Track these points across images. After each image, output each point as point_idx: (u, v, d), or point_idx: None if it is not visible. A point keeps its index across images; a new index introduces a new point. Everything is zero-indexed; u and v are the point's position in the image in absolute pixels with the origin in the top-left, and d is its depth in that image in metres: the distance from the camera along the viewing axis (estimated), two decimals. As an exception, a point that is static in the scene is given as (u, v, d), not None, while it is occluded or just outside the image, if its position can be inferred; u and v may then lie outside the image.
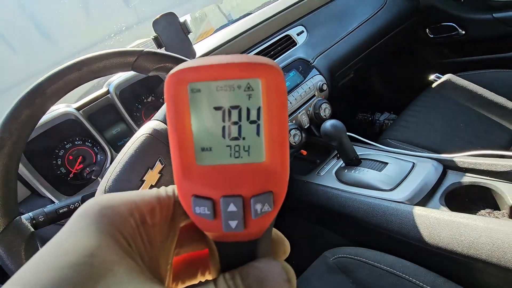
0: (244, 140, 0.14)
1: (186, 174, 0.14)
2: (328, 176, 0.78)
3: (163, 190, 0.16)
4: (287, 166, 0.15)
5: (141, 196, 0.15)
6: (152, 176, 0.44)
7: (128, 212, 0.14)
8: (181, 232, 0.17)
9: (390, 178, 0.66)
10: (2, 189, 0.36)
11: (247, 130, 0.14)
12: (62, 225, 0.58)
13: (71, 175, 0.65)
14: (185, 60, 0.48)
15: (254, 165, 0.14)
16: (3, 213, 0.36)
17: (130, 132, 0.71)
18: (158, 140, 0.47)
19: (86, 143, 0.68)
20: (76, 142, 0.67)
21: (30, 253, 0.36)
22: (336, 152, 0.86)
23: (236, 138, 0.15)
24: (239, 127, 0.14)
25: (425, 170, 0.64)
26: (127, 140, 0.71)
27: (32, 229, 0.38)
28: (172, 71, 0.14)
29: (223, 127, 0.14)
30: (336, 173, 0.77)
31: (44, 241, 0.38)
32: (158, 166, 0.45)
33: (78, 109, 0.64)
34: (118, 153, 0.67)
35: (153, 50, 0.47)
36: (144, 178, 0.44)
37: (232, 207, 0.14)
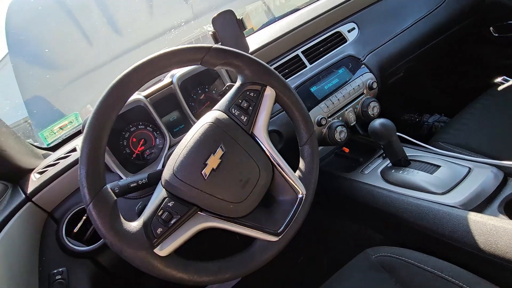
0: None
1: None
2: (373, 175, 0.77)
3: None
4: None
5: None
6: (213, 160, 0.48)
7: None
8: None
9: (442, 181, 0.64)
10: (93, 164, 0.42)
11: None
12: (130, 198, 0.65)
13: (134, 156, 0.73)
14: (247, 56, 0.52)
15: None
16: (94, 184, 0.42)
17: (185, 120, 0.76)
18: (219, 128, 0.50)
19: (148, 128, 0.74)
20: (139, 126, 0.74)
21: (113, 218, 0.42)
22: (381, 151, 0.85)
23: None
24: None
25: (483, 176, 0.61)
26: (182, 127, 0.77)
27: (115, 198, 0.45)
28: None
29: None
30: (381, 172, 0.76)
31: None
32: (219, 152, 0.49)
33: (146, 97, 0.71)
34: (175, 138, 0.73)
35: (220, 46, 0.50)
36: (207, 162, 0.48)
37: None
